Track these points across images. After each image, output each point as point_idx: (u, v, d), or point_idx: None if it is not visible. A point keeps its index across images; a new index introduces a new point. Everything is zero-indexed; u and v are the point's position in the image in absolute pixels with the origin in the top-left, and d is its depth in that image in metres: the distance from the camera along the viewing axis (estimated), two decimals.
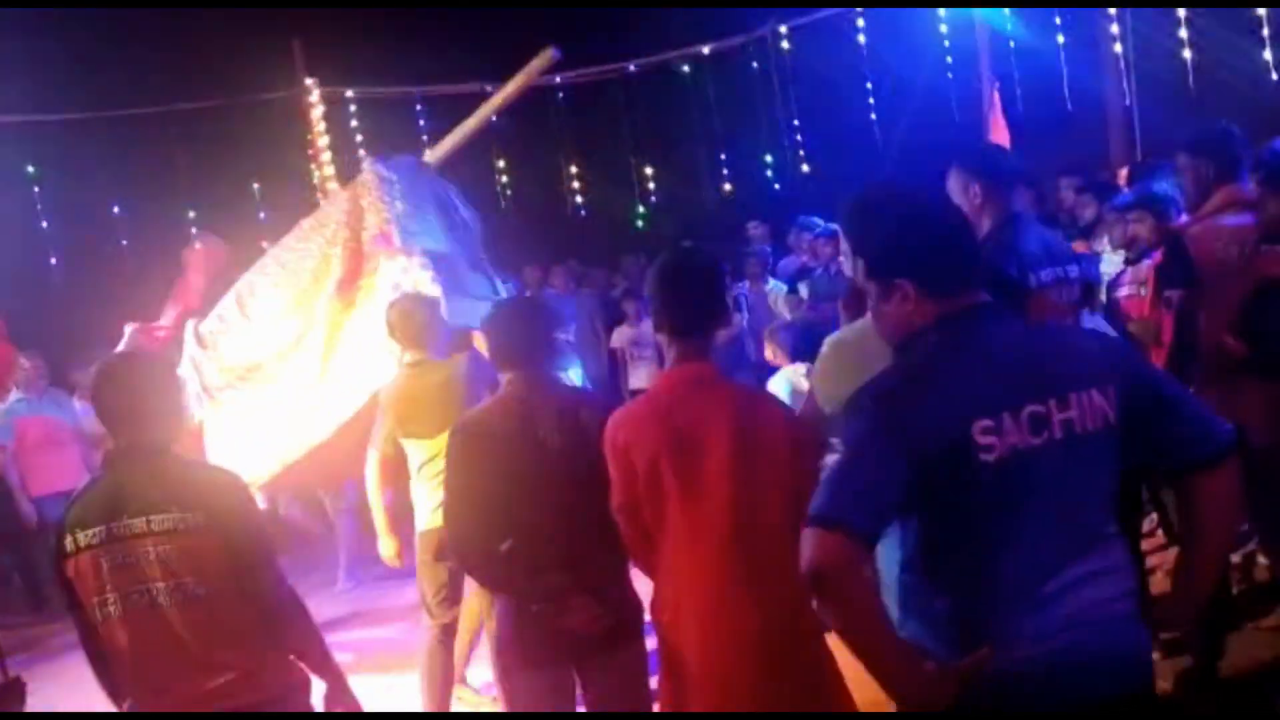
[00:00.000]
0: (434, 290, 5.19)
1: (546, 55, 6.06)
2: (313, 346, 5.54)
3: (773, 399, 2.99)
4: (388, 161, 5.92)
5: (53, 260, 10.67)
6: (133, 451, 2.88)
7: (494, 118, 6.61)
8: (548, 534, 3.08)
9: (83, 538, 2.79)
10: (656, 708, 3.10)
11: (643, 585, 3.10)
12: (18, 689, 3.24)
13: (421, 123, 10.94)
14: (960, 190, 3.49)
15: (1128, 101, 9.34)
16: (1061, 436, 1.97)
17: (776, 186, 11.92)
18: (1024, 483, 1.95)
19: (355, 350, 5.40)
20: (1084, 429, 1.99)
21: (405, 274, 5.39)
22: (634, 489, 2.81)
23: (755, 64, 11.15)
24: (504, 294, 5.92)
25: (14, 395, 7.48)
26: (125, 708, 2.90)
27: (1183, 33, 8.95)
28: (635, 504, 2.82)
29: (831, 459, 2.62)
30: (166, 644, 2.79)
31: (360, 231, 5.63)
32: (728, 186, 12.08)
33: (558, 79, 11.27)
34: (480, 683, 5.07)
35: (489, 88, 11.67)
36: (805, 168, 11.69)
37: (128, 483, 2.83)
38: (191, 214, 10.71)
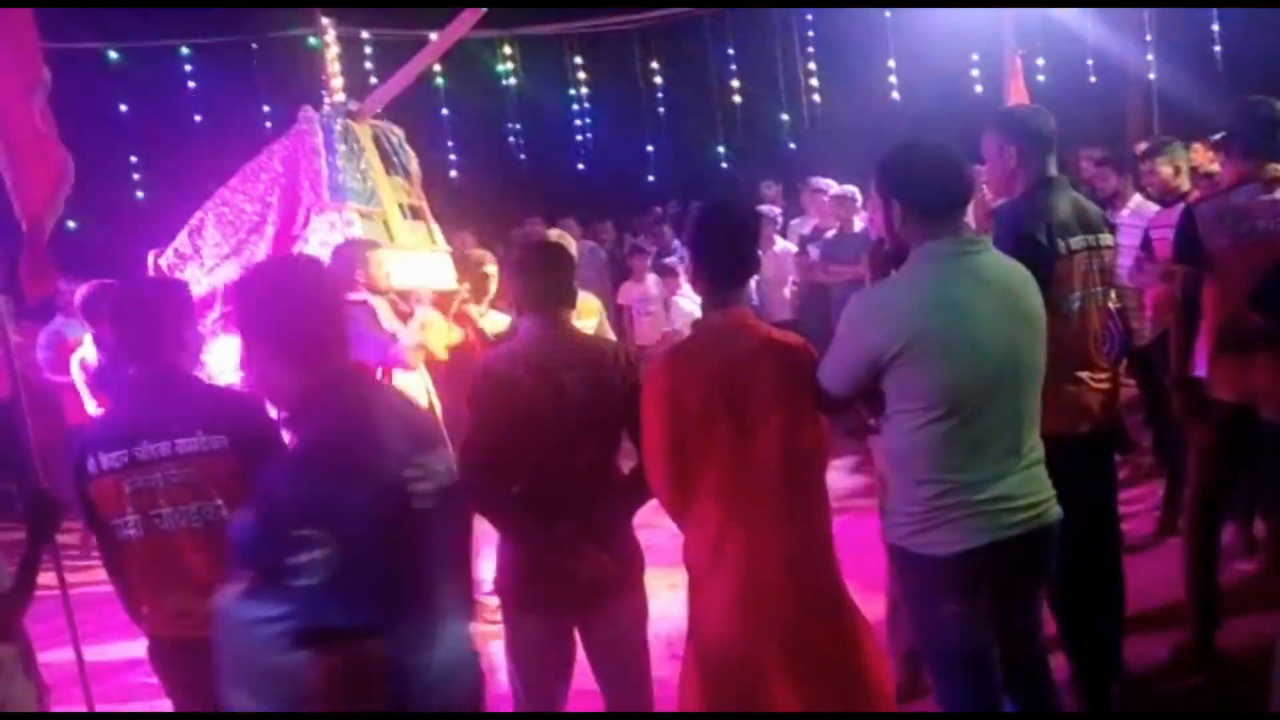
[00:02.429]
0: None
1: (471, 12, 6.08)
2: None
3: (798, 341, 3.04)
4: (322, 110, 5.96)
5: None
6: (155, 376, 2.90)
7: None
8: (560, 480, 3.11)
9: (105, 460, 2.81)
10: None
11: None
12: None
13: (437, 67, 10.85)
14: (996, 152, 3.49)
15: (1151, 75, 9.27)
16: None
17: (792, 145, 11.86)
18: None
19: None
20: None
21: (333, 230, 5.54)
22: (682, 431, 2.85)
23: (775, 20, 11.05)
24: (440, 242, 6.06)
25: (59, 319, 7.41)
26: (144, 626, 2.95)
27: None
28: (682, 446, 2.86)
29: None
30: (184, 565, 2.82)
31: (297, 181, 5.75)
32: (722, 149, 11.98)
33: (571, 28, 11.21)
34: None
35: (502, 34, 11.66)
36: (821, 128, 11.62)
37: (151, 407, 2.85)
38: (201, 149, 10.65)
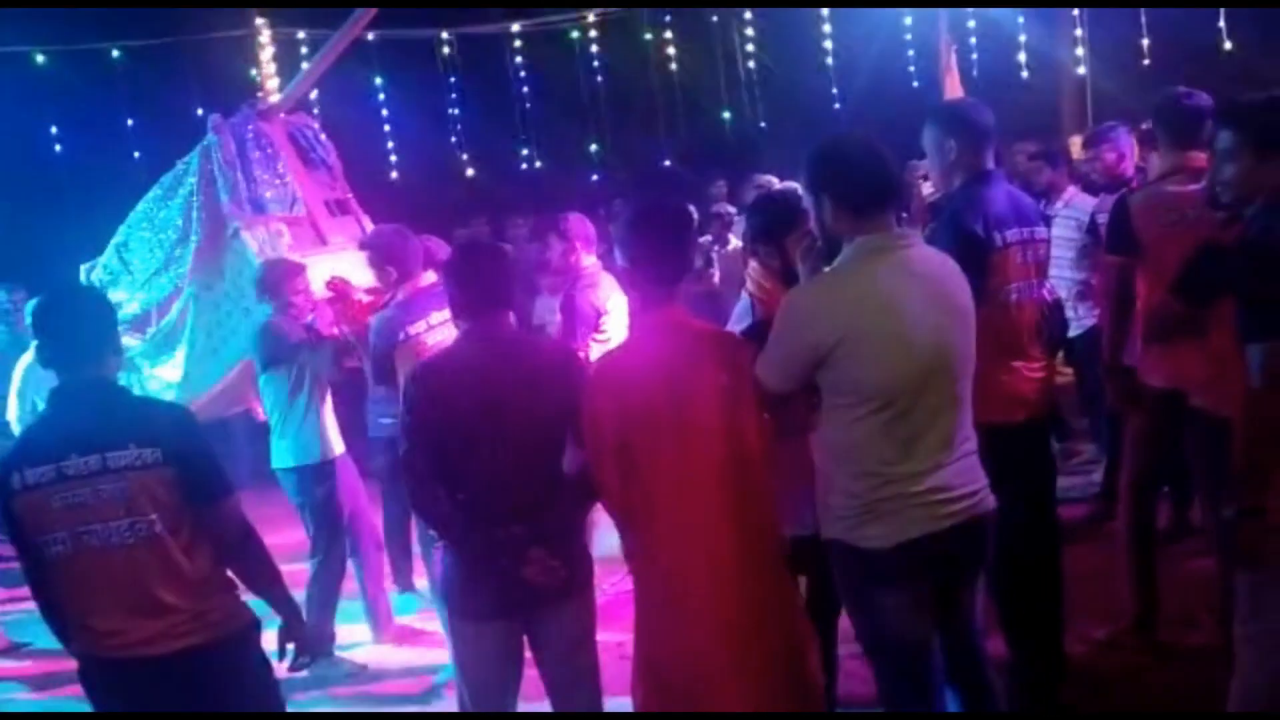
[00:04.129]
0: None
1: (364, 13, 6.08)
2: (185, 308, 5.68)
3: (734, 336, 3.04)
4: (230, 120, 5.89)
5: None
6: (80, 387, 2.83)
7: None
8: (506, 484, 3.08)
9: (31, 476, 2.73)
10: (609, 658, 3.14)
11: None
12: None
13: (377, 66, 10.74)
14: (935, 146, 3.53)
15: (1082, 69, 9.43)
16: None
17: (735, 142, 11.90)
18: None
19: (229, 314, 5.58)
20: None
21: (263, 245, 5.53)
22: (626, 427, 2.84)
23: (715, 18, 11.07)
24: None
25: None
26: (73, 649, 2.87)
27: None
28: (627, 438, 2.85)
29: None
30: (115, 584, 2.75)
31: (215, 196, 5.71)
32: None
33: (514, 27, 11.14)
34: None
35: (445, 34, 11.56)
36: (762, 124, 11.67)
37: (78, 419, 2.78)
38: (136, 154, 10.43)
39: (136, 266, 5.86)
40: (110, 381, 2.89)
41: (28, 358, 5.73)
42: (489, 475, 3.08)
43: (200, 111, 10.31)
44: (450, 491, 3.09)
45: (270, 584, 3.03)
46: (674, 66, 11.26)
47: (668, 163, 12.08)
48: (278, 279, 5.06)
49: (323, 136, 6.28)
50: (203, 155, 5.80)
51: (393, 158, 11.32)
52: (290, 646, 3.07)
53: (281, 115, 6.14)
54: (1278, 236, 2.76)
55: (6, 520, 2.82)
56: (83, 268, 6.07)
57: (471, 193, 11.80)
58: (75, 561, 2.75)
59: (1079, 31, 9.55)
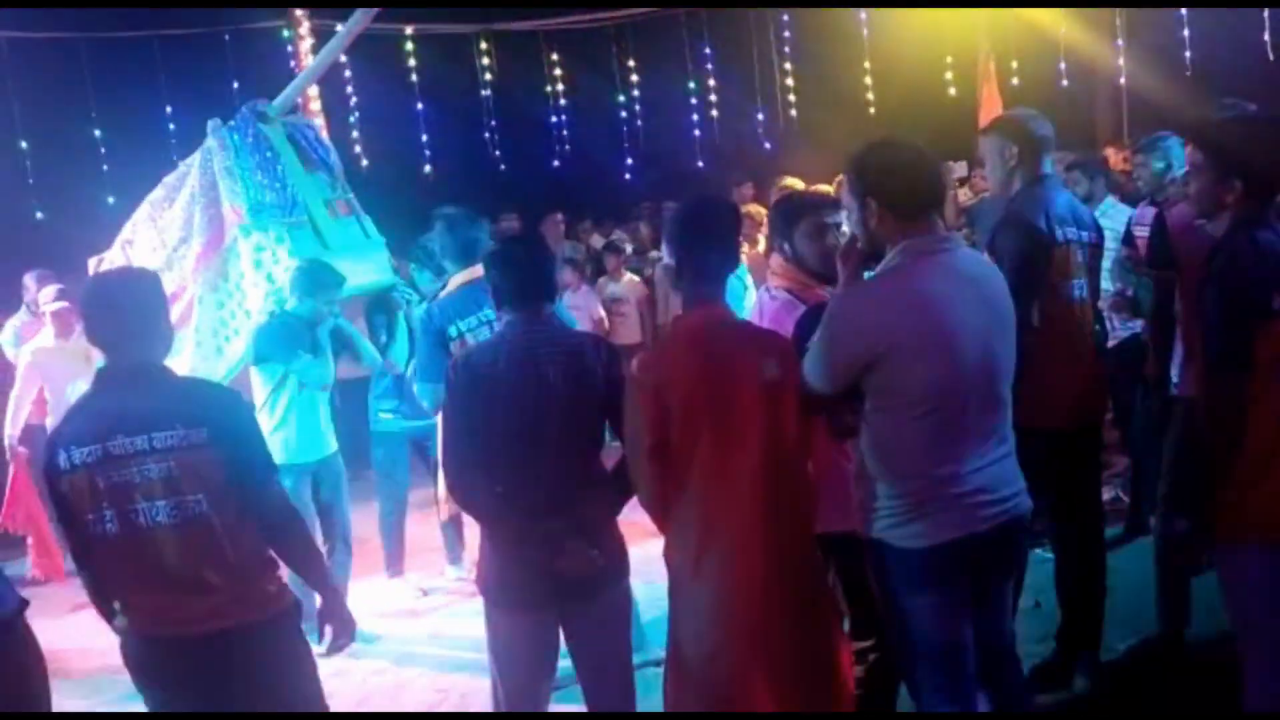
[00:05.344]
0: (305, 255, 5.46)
1: (366, 13, 6.08)
2: (188, 311, 5.72)
3: (777, 335, 3.05)
4: (229, 124, 5.90)
5: (30, 180, 10.49)
6: (128, 369, 2.86)
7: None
8: (543, 475, 3.10)
9: (77, 455, 2.76)
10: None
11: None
12: None
13: (411, 62, 10.80)
14: (996, 152, 3.69)
15: (1122, 79, 9.37)
16: None
17: (767, 145, 11.90)
18: None
19: (233, 315, 5.65)
20: None
21: (264, 251, 5.56)
22: (665, 428, 2.85)
23: (751, 20, 11.07)
24: (374, 234, 6.07)
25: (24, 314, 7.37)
26: (117, 623, 2.91)
27: (1182, 11, 8.97)
28: (666, 434, 2.86)
29: None
30: (159, 562, 2.79)
31: (218, 199, 5.74)
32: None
33: (548, 26, 11.18)
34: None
35: (477, 29, 11.61)
36: (798, 129, 11.66)
37: (124, 400, 2.81)
38: (174, 142, 10.53)
39: (138, 261, 5.87)
40: (157, 363, 2.92)
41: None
42: (527, 466, 3.10)
43: (237, 102, 10.45)
44: (488, 482, 3.12)
45: (311, 566, 3.09)
46: (709, 68, 11.27)
47: (700, 164, 12.10)
48: (321, 284, 5.11)
49: (323, 135, 6.31)
50: (204, 158, 5.83)
51: (426, 152, 11.39)
52: (328, 628, 3.10)
53: (281, 117, 6.14)
54: (1240, 269, 2.75)
55: (55, 499, 2.86)
56: (91, 261, 6.11)
57: (503, 189, 11.85)
58: (122, 540, 2.78)
59: (1119, 40, 9.48)
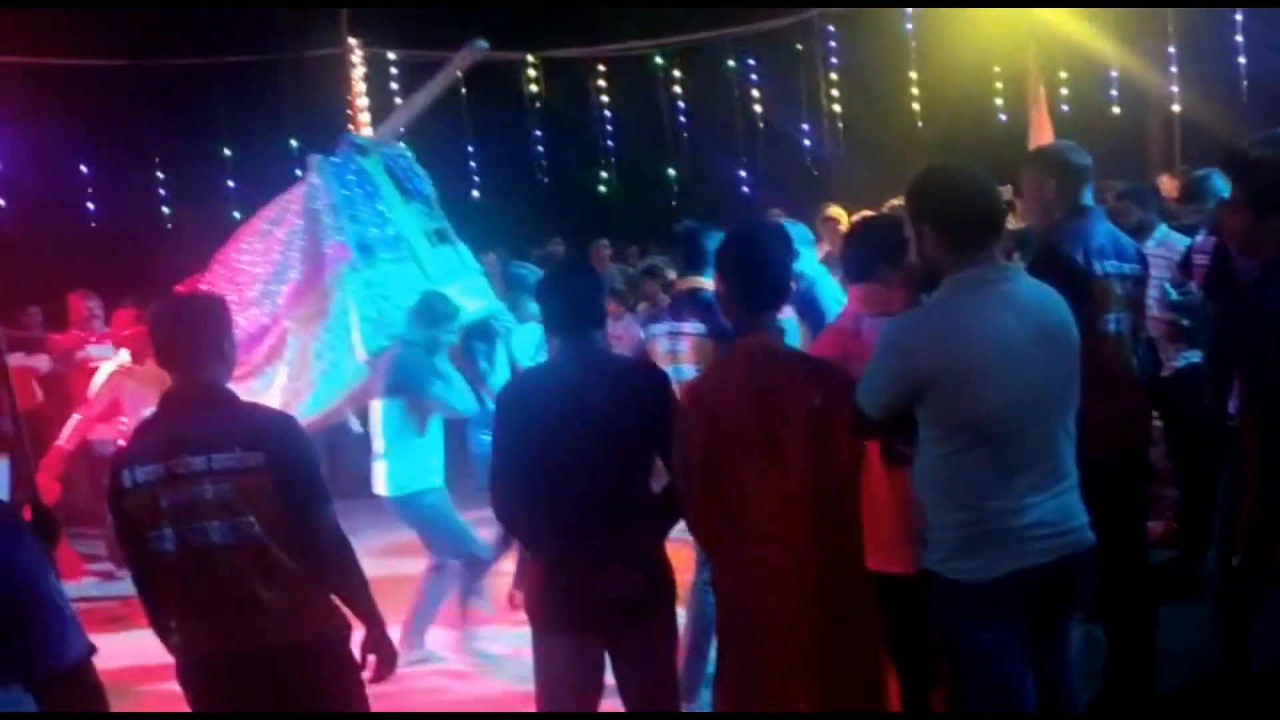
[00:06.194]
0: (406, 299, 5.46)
1: (473, 47, 6.09)
2: (279, 344, 5.75)
3: (827, 362, 3.04)
4: (330, 160, 5.96)
5: (90, 205, 10.76)
6: (192, 390, 2.92)
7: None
8: (590, 499, 3.10)
9: (141, 474, 2.83)
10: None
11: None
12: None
13: (463, 90, 10.94)
14: (1034, 185, 3.66)
15: (1176, 106, 9.26)
16: None
17: (815, 173, 11.90)
18: None
19: (331, 348, 5.64)
20: None
21: (369, 288, 5.60)
22: (715, 454, 2.85)
23: (799, 46, 11.10)
24: (469, 261, 6.10)
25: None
26: (171, 641, 2.96)
27: (1238, 37, 8.85)
28: (715, 462, 2.86)
29: None
30: (216, 580, 2.83)
31: (318, 236, 5.77)
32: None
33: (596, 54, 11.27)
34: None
35: (529, 56, 11.75)
36: (843, 153, 11.66)
37: (187, 422, 2.87)
38: (228, 167, 10.78)
39: (233, 295, 5.86)
40: (219, 386, 2.97)
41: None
42: (574, 490, 3.11)
43: (294, 143, 10.68)
44: (534, 504, 3.13)
45: (358, 593, 3.07)
46: (755, 92, 11.31)
47: (747, 189, 12.12)
48: (441, 316, 5.18)
49: (416, 166, 6.30)
50: (308, 193, 5.88)
51: (475, 178, 11.53)
52: (371, 658, 3.11)
53: (378, 150, 6.20)
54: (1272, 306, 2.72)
55: (117, 517, 2.92)
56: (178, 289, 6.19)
57: (549, 213, 11.96)
58: (180, 559, 2.83)
59: (1173, 68, 9.38)
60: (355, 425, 5.88)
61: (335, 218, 5.73)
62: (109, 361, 6.75)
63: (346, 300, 5.59)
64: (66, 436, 6.45)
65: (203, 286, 6.01)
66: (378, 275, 5.65)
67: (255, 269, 5.94)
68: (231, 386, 5.18)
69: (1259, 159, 3.01)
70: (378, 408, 5.19)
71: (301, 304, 5.75)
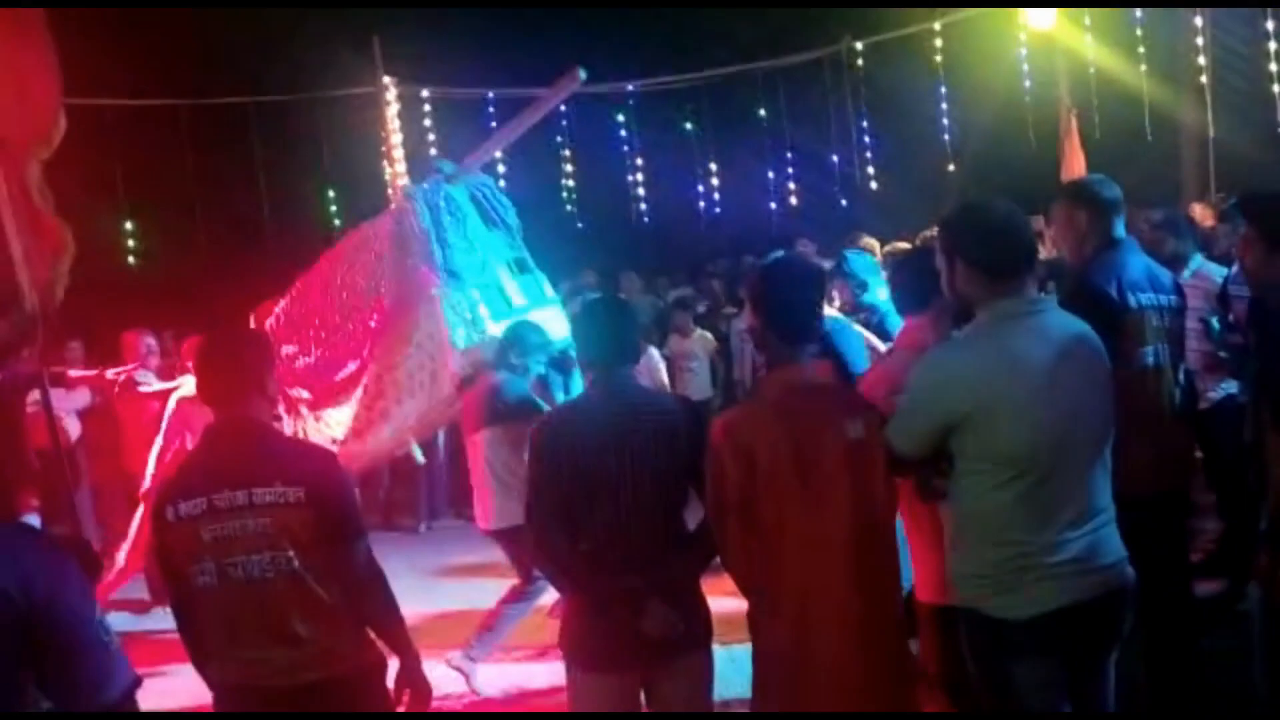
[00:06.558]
0: (492, 325, 5.52)
1: (573, 76, 6.11)
2: (365, 372, 5.73)
3: (863, 395, 3.03)
4: (421, 187, 5.98)
5: (130, 242, 10.95)
6: (234, 425, 2.96)
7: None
8: (626, 535, 3.10)
9: (184, 508, 2.86)
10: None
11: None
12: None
13: (494, 125, 11.07)
14: (1065, 218, 3.66)
15: (1212, 134, 9.21)
16: None
17: (844, 202, 11.92)
18: None
19: (410, 376, 5.62)
20: None
21: (455, 312, 5.60)
22: (752, 486, 2.85)
23: (828, 80, 11.16)
24: (550, 292, 6.11)
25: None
26: (210, 673, 2.98)
27: (1271, 66, 8.80)
28: (751, 501, 2.86)
29: None
30: (254, 614, 2.86)
31: (406, 262, 5.78)
32: (793, 200, 12.07)
33: (629, 87, 11.38)
34: None
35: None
36: (874, 184, 11.66)
37: (230, 456, 2.91)
38: (266, 204, 10.94)
39: (316, 321, 5.95)
40: (261, 420, 3.01)
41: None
42: (610, 526, 3.11)
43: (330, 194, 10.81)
44: (572, 541, 3.14)
45: (393, 628, 3.09)
46: (785, 125, 11.37)
47: (774, 219, 12.15)
48: (534, 345, 5.19)
49: (500, 194, 6.28)
50: (396, 221, 5.90)
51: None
52: (405, 694, 3.11)
53: (464, 178, 6.19)
54: None
55: (160, 551, 2.96)
56: (252, 317, 6.16)
57: (581, 245, 12.03)
58: (219, 592, 2.86)
59: (1208, 98, 9.33)
60: (419, 456, 5.88)
61: (424, 243, 5.73)
62: (179, 390, 6.76)
63: (431, 326, 5.57)
64: (149, 481, 6.41)
65: (278, 312, 6.05)
66: (465, 300, 5.65)
67: (341, 295, 5.94)
68: (306, 412, 5.20)
69: (1271, 196, 3.07)
70: (477, 440, 5.17)
71: (388, 332, 5.73)
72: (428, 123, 11.07)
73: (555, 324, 5.88)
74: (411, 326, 5.66)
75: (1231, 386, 5.28)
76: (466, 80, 11.25)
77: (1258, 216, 2.98)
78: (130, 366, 7.55)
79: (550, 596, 5.23)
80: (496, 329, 5.48)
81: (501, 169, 11.42)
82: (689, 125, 11.94)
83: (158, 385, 6.90)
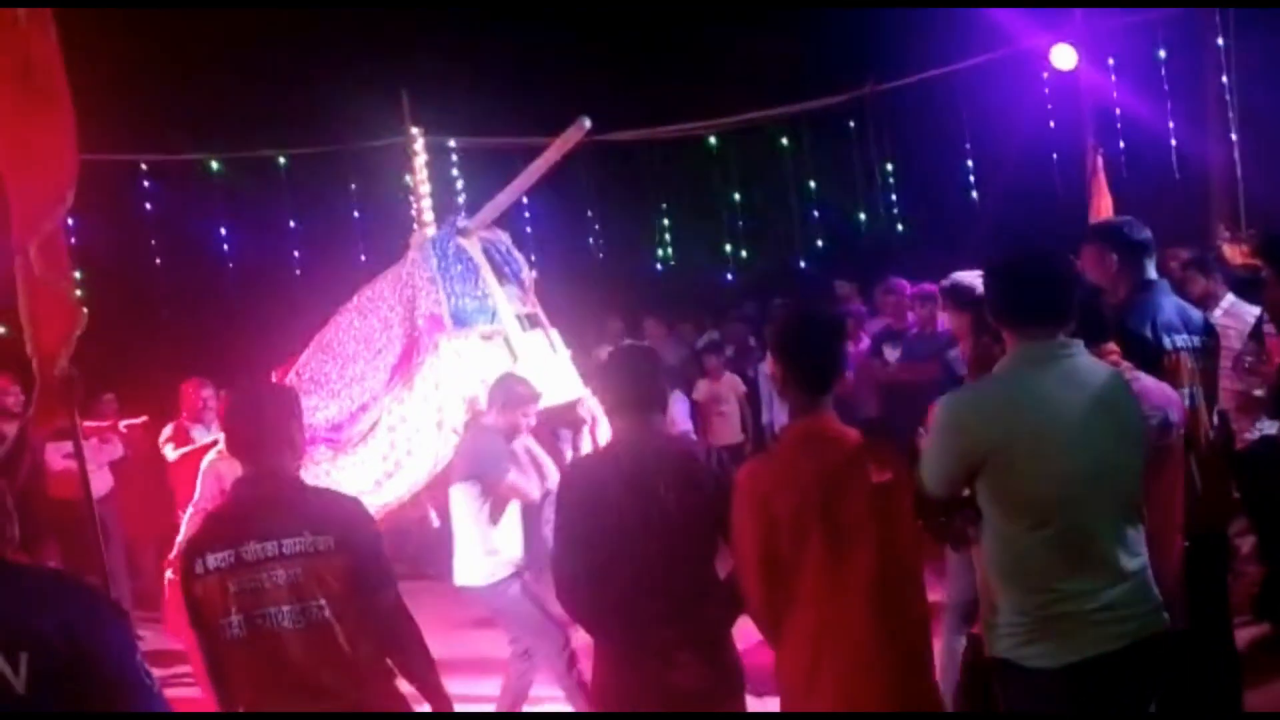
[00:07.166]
0: (496, 368, 5.48)
1: (579, 126, 6.15)
2: (372, 423, 5.74)
3: (886, 444, 3.01)
4: (432, 237, 6.03)
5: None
6: (262, 477, 2.98)
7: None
8: (656, 586, 3.09)
9: (212, 561, 2.88)
10: None
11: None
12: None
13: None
14: (1096, 260, 3.68)
15: (1239, 172, 9.15)
16: None
17: (869, 245, 11.92)
18: None
19: (417, 429, 5.62)
20: None
21: (459, 357, 5.61)
22: (774, 540, 2.83)
23: (851, 123, 11.20)
24: (560, 348, 6.11)
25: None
26: None
27: None
28: (774, 555, 2.84)
29: None
30: (283, 666, 2.86)
31: (414, 311, 5.82)
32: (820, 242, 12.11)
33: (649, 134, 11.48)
34: None
35: (585, 123, 11.98)
36: (900, 226, 11.66)
37: (257, 508, 2.93)
38: (296, 254, 11.08)
39: (334, 374, 5.98)
40: (289, 473, 3.03)
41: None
42: (638, 576, 3.09)
43: (356, 214, 10.98)
44: (600, 592, 3.12)
45: (425, 674, 3.09)
46: (810, 168, 11.41)
47: (803, 264, 12.17)
48: (520, 398, 5.09)
49: (514, 250, 6.32)
50: (407, 269, 5.95)
51: (532, 256, 11.69)
52: None
53: (478, 232, 6.25)
54: None
55: (189, 604, 2.97)
56: (274, 372, 6.18)
57: (606, 289, 12.08)
58: (248, 643, 2.87)
59: (1233, 135, 9.29)
60: (434, 519, 5.87)
61: (434, 290, 5.78)
62: (211, 451, 6.79)
63: (435, 374, 5.60)
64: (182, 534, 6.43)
65: (297, 368, 6.09)
66: (469, 346, 5.67)
67: (357, 346, 5.98)
68: (326, 464, 5.23)
69: None
70: (452, 494, 5.15)
71: (397, 381, 5.76)
72: (455, 172, 11.19)
73: (564, 381, 5.89)
74: (416, 376, 5.69)
75: (1270, 426, 5.20)
76: (494, 130, 11.39)
77: (1273, 258, 2.98)
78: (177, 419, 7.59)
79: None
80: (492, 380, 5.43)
81: (526, 214, 11.55)
82: (714, 169, 12.01)
83: (207, 438, 6.90)
